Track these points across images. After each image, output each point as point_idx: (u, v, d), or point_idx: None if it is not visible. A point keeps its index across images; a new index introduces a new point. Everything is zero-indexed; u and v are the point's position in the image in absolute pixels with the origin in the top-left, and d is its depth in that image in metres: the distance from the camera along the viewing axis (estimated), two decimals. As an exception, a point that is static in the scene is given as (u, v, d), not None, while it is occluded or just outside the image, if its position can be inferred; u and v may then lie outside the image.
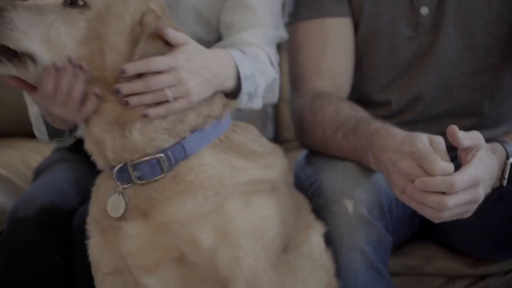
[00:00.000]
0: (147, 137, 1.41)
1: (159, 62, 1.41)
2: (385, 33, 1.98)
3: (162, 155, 1.41)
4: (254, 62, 1.76)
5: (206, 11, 1.99)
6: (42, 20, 1.40)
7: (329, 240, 1.61)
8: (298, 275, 1.53)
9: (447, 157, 1.50)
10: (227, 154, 1.46)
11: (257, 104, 1.79)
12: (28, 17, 1.40)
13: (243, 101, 1.73)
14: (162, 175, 1.40)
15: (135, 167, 1.41)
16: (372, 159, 1.64)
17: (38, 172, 1.97)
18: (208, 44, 1.92)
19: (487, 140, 1.63)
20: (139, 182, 1.41)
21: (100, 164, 1.47)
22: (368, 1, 1.99)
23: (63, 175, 1.87)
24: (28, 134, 2.07)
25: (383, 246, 1.67)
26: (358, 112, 1.80)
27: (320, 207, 1.64)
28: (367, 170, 1.69)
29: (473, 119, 2.02)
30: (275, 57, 1.92)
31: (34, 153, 2.29)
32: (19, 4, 1.43)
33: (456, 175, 1.47)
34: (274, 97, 1.96)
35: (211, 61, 1.55)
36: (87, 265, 1.57)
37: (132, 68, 1.40)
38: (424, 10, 1.97)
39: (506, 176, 1.68)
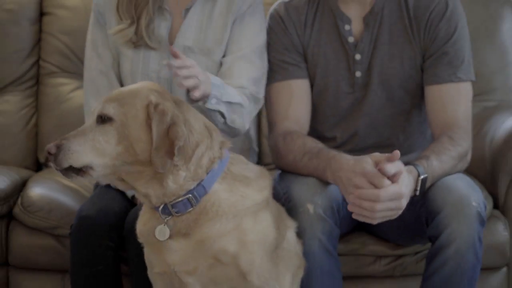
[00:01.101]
0: (178, 184, 1.83)
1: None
2: (331, 89, 2.44)
3: (190, 195, 1.84)
4: (224, 83, 2.20)
5: None
6: (86, 138, 1.80)
7: (298, 232, 2.07)
8: (284, 263, 1.97)
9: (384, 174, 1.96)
10: (234, 185, 1.89)
11: (225, 110, 2.19)
12: (78, 140, 1.80)
13: (212, 102, 2.16)
14: (192, 208, 1.84)
15: (173, 205, 1.84)
16: (330, 176, 2.10)
17: (96, 185, 2.48)
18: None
19: (404, 164, 2.06)
20: (177, 215, 1.85)
21: (147, 205, 1.90)
22: (319, 67, 2.43)
23: (113, 188, 2.33)
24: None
25: (333, 235, 2.12)
26: (318, 144, 2.24)
27: (290, 209, 2.10)
28: (323, 183, 2.13)
29: (393, 149, 2.27)
30: (256, 94, 2.35)
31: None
32: (70, 135, 1.82)
33: (382, 190, 1.94)
34: (243, 122, 2.32)
35: None
36: (136, 248, 2.04)
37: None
38: (358, 73, 2.42)
39: (418, 188, 2.10)
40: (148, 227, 1.91)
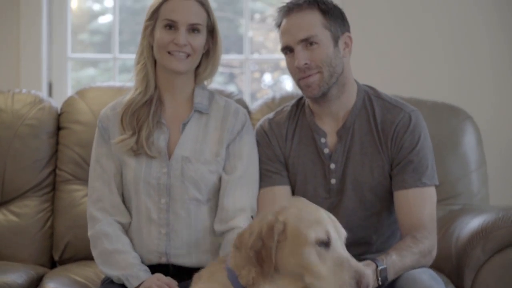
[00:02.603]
0: None
1: None
2: (310, 195, 2.54)
3: None
4: None
5: (201, 182, 2.57)
6: None
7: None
8: None
9: None
10: None
11: None
12: None
13: None
14: None
15: None
16: None
17: (102, 282, 2.64)
18: (201, 202, 2.57)
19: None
20: None
21: None
22: (299, 175, 2.59)
23: (117, 284, 2.50)
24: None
25: None
26: None
27: None
28: None
29: (366, 247, 2.60)
30: (254, 207, 2.54)
31: (101, 272, 2.81)
32: None
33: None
34: None
35: None
36: None
37: None
38: (333, 181, 2.58)
39: (380, 278, 2.24)
40: None
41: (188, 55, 2.56)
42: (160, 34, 2.56)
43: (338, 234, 2.13)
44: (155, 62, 2.63)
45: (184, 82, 2.63)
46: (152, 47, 2.61)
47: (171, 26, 2.55)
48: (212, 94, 2.68)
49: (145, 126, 2.57)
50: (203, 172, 2.56)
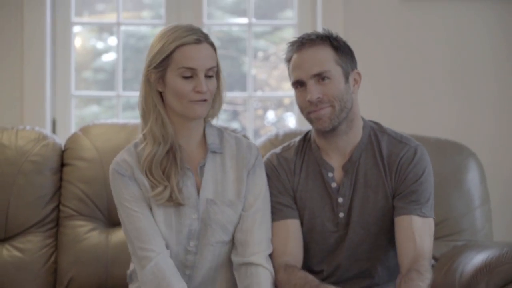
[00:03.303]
0: None
1: None
2: (318, 229, 2.60)
3: None
4: None
5: (228, 224, 2.57)
6: None
7: None
8: None
9: None
10: None
11: None
12: None
13: None
14: None
15: None
16: None
17: None
18: (226, 242, 2.57)
19: None
20: None
21: None
22: (307, 210, 2.62)
23: None
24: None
25: None
26: (315, 278, 2.45)
27: None
28: None
29: (372, 279, 2.62)
30: (271, 266, 2.54)
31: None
32: None
33: None
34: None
35: None
36: None
37: None
38: (341, 215, 2.60)
39: None
40: None
41: (205, 100, 2.52)
42: (178, 83, 2.49)
43: None
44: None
45: (197, 124, 2.59)
46: (160, 94, 2.54)
47: (189, 75, 2.48)
48: (221, 131, 2.67)
49: (173, 175, 2.52)
50: (229, 215, 2.56)
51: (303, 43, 2.61)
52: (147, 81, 2.52)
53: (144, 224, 2.52)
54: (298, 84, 2.62)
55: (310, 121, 2.64)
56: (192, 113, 2.51)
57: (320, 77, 2.57)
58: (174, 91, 2.50)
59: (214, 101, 2.60)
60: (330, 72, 2.58)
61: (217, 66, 2.56)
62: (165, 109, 2.54)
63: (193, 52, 2.48)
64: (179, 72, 2.47)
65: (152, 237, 2.52)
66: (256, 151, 2.64)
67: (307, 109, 2.61)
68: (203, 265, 2.59)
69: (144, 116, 2.54)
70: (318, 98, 2.57)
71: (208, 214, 2.54)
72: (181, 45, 2.48)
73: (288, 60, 2.67)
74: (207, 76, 2.50)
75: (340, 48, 2.62)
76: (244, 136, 3.34)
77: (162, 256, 2.50)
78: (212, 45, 2.56)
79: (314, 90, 2.56)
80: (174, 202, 2.51)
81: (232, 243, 2.62)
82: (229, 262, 2.63)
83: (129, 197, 2.54)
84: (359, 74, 2.67)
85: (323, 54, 2.59)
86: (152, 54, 2.51)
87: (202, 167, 2.58)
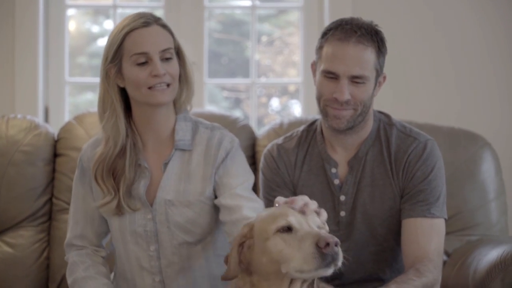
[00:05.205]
0: None
1: None
2: None
3: None
4: None
5: (188, 225, 2.53)
6: None
7: None
8: None
9: None
10: None
11: None
12: None
13: None
14: None
15: None
16: None
17: None
18: (192, 243, 2.54)
19: None
20: None
21: None
22: None
23: None
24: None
25: None
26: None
27: None
28: None
29: (379, 283, 2.60)
30: None
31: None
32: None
33: None
34: None
35: None
36: None
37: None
38: (343, 213, 2.61)
39: None
40: None
41: (169, 84, 2.48)
42: (133, 72, 2.46)
43: (305, 219, 2.13)
44: (124, 106, 2.55)
45: (165, 115, 2.55)
46: (120, 89, 2.52)
47: (143, 61, 2.45)
48: (196, 125, 2.60)
49: (123, 181, 2.52)
50: (189, 216, 2.53)
51: (351, 34, 2.54)
52: (105, 77, 2.50)
53: (83, 223, 2.65)
54: (330, 74, 2.56)
55: (325, 113, 2.60)
56: (153, 99, 2.47)
57: (356, 79, 2.54)
58: (131, 81, 2.47)
59: (182, 87, 2.56)
60: (367, 78, 2.55)
61: (177, 48, 2.53)
62: (122, 106, 2.52)
63: (142, 36, 2.45)
64: (132, 60, 2.45)
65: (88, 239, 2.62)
66: (228, 145, 2.56)
67: (327, 102, 2.58)
68: (174, 271, 2.58)
69: (100, 114, 2.53)
70: (348, 100, 2.54)
71: (167, 216, 2.53)
72: (129, 31, 2.45)
73: (326, 38, 2.59)
74: (164, 59, 2.47)
75: (382, 51, 2.59)
76: (247, 126, 3.41)
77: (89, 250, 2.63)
78: (164, 26, 2.51)
79: (347, 91, 2.53)
80: (121, 213, 2.53)
81: (205, 247, 2.60)
82: (210, 271, 2.62)
83: (77, 193, 2.64)
84: (385, 77, 2.66)
85: (368, 56, 2.54)
86: (106, 47, 2.50)
87: (166, 164, 2.55)
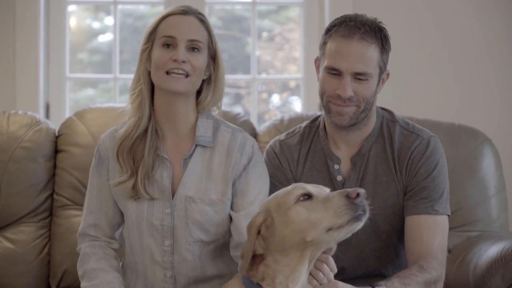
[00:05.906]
0: None
1: None
2: None
3: None
4: None
5: (206, 223, 2.55)
6: None
7: None
8: None
9: None
10: None
11: None
12: None
13: None
14: None
15: None
16: None
17: None
18: (206, 243, 2.56)
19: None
20: None
21: None
22: None
23: None
24: None
25: None
26: None
27: None
28: None
29: (381, 279, 2.48)
30: None
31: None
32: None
33: None
34: None
35: None
36: None
37: None
38: None
39: None
40: None
41: (188, 75, 2.49)
42: (158, 52, 2.51)
43: (319, 188, 2.18)
44: (152, 90, 2.58)
45: (184, 108, 2.55)
46: (149, 73, 2.56)
47: (169, 44, 2.50)
48: (218, 123, 2.62)
49: (142, 165, 2.53)
50: (208, 214, 2.54)
51: (355, 31, 2.55)
52: (140, 57, 2.57)
53: (97, 213, 2.66)
54: (334, 70, 2.57)
55: (328, 110, 2.62)
56: (168, 85, 2.49)
57: (360, 75, 2.55)
58: (154, 62, 2.52)
59: (209, 90, 2.59)
60: (371, 75, 2.57)
61: (213, 50, 2.57)
62: (150, 89, 2.56)
63: (176, 21, 2.51)
64: (161, 42, 2.51)
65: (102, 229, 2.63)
66: (250, 150, 2.59)
67: (330, 99, 2.59)
68: (186, 268, 2.59)
69: (130, 93, 2.59)
70: (351, 96, 2.55)
71: (186, 212, 2.53)
72: (167, 16, 2.54)
73: (330, 35, 2.60)
74: (190, 48, 2.50)
75: (386, 48, 2.60)
76: (247, 122, 3.40)
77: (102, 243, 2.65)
78: (202, 21, 2.55)
79: (349, 88, 2.54)
80: (136, 196, 2.54)
81: (217, 248, 2.62)
82: (219, 265, 2.64)
83: (92, 184, 2.67)
84: (388, 74, 2.67)
85: (371, 53, 2.56)
86: (146, 30, 2.57)
87: (186, 160, 2.56)
